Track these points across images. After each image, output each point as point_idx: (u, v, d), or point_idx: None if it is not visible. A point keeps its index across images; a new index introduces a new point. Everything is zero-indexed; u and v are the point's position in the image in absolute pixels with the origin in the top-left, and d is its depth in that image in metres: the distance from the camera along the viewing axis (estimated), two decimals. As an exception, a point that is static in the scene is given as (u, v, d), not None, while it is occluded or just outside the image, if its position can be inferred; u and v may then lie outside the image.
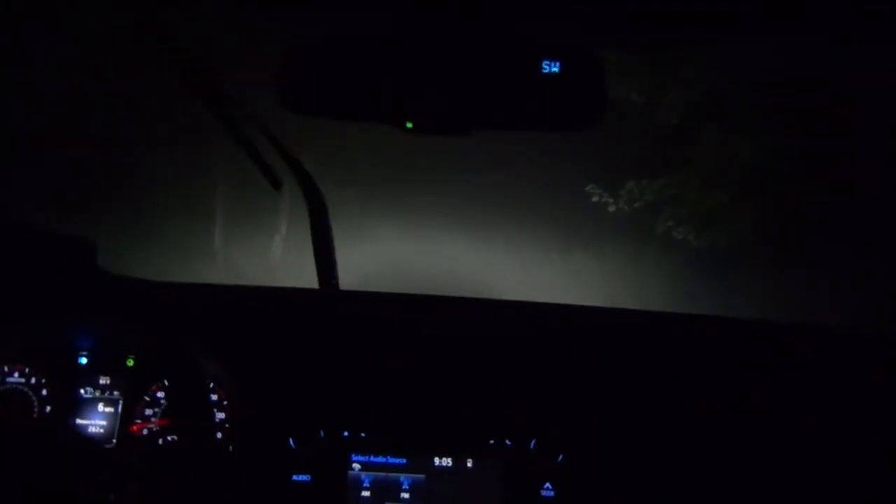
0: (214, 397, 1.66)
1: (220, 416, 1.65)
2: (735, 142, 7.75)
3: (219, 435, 1.63)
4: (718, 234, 8.40)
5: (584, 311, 1.79)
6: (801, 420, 1.60)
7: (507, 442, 1.60)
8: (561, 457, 1.59)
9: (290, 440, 1.57)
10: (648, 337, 1.72)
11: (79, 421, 1.66)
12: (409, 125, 1.32)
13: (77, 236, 1.72)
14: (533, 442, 1.59)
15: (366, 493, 1.55)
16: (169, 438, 1.65)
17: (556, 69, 1.28)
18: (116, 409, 1.66)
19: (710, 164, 8.21)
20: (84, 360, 1.69)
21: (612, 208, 9.18)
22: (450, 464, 1.58)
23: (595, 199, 9.16)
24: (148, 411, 1.67)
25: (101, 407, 1.67)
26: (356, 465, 1.57)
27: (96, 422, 1.66)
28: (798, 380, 1.64)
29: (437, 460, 1.58)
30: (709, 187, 8.36)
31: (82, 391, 1.67)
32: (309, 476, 1.55)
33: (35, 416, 1.65)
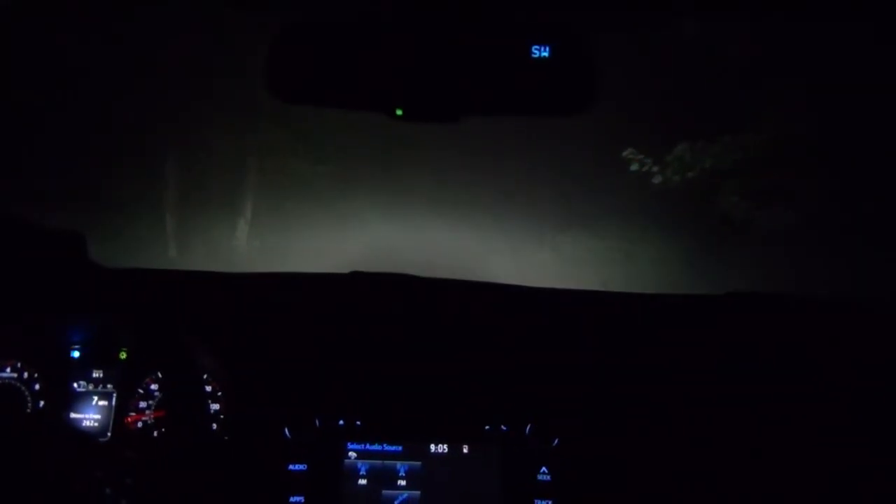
0: (209, 388, 1.65)
1: (215, 407, 1.65)
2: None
3: (214, 426, 1.63)
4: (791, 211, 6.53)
5: (578, 295, 1.79)
6: (800, 406, 1.61)
7: (503, 427, 1.60)
8: (557, 441, 1.59)
9: (286, 430, 1.57)
10: (643, 319, 1.72)
11: (72, 415, 1.65)
12: (399, 112, 1.31)
13: (63, 229, 1.71)
14: (528, 427, 1.60)
15: (362, 481, 1.56)
16: (164, 430, 1.65)
17: (545, 53, 1.27)
18: (110, 402, 1.66)
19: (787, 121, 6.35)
20: (76, 354, 1.68)
21: (657, 179, 7.10)
22: (446, 450, 1.59)
23: (636, 167, 7.09)
24: (142, 404, 1.66)
25: (94, 400, 1.66)
26: (352, 454, 1.57)
27: (90, 415, 1.65)
28: (803, 361, 1.65)
29: (433, 447, 1.59)
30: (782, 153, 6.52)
31: (75, 385, 1.66)
32: (305, 465, 1.56)
33: (28, 410, 1.64)
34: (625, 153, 7.08)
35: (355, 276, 1.77)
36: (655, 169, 7.06)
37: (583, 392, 1.63)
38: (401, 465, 1.57)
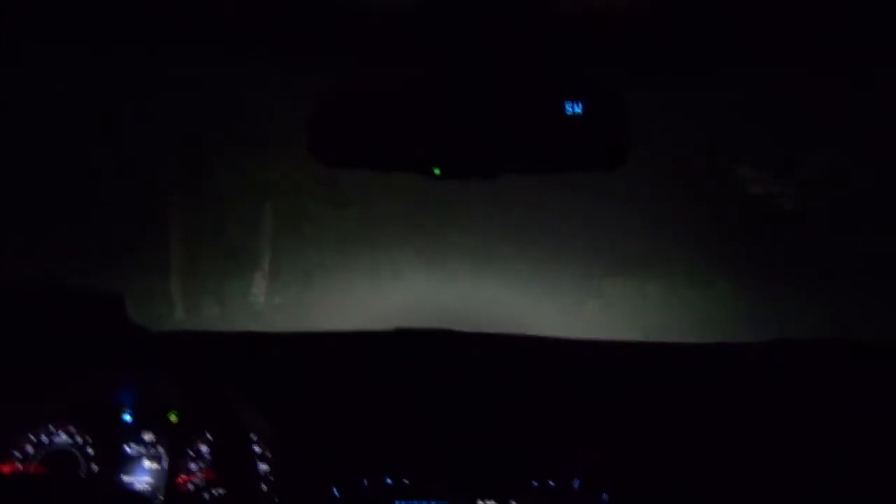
0: (258, 449, 1.66)
1: (264, 467, 1.66)
2: None
3: (263, 487, 1.64)
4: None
5: (624, 346, 1.78)
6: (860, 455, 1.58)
7: (551, 483, 1.59)
8: (606, 496, 1.57)
9: (335, 489, 1.58)
10: (691, 371, 1.71)
11: (125, 478, 1.68)
12: (437, 172, 1.34)
13: (106, 291, 1.76)
14: (577, 482, 1.58)
15: None
16: (215, 492, 1.66)
17: (578, 110, 1.29)
18: (162, 464, 1.68)
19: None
20: (128, 417, 1.71)
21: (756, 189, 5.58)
22: None
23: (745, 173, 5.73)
24: (193, 465, 1.68)
25: (146, 463, 1.69)
26: None
27: (142, 478, 1.68)
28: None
29: (480, 502, 1.58)
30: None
31: (127, 448, 1.69)
32: None
33: (82, 475, 1.67)
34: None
35: (399, 332, 1.79)
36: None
37: (630, 445, 1.61)
38: None
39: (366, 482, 1.59)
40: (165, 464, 1.68)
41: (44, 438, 1.67)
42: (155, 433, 1.70)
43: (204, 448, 1.69)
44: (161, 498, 1.65)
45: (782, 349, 1.74)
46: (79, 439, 1.69)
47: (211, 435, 1.65)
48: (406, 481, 1.59)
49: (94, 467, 1.68)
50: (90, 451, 1.68)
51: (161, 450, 1.69)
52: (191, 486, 1.67)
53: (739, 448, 1.60)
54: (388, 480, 1.59)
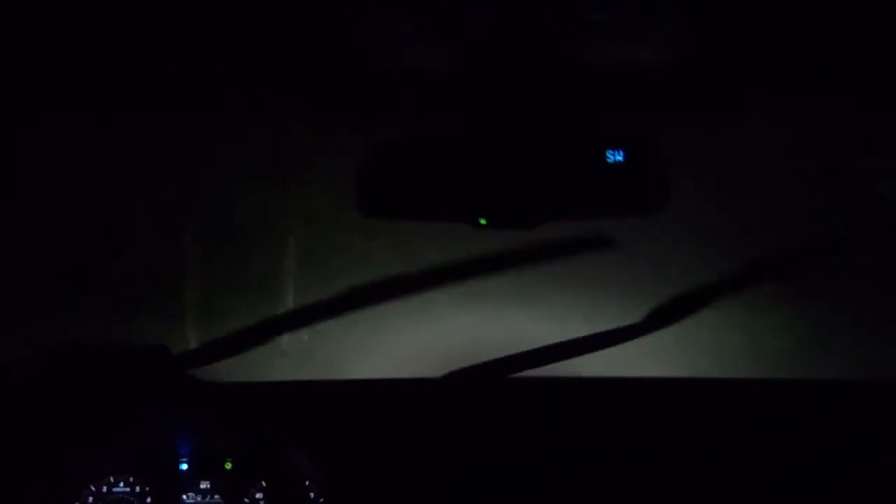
0: (312, 495, 1.69)
1: (319, 514, 1.69)
2: None
3: (318, 533, 1.67)
4: None
5: (670, 383, 1.78)
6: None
7: None
8: None
9: None
10: (741, 408, 1.71)
11: (185, 528, 1.72)
12: (483, 222, 1.37)
13: (151, 344, 1.81)
14: None
15: None
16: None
17: (619, 158, 1.32)
18: (218, 513, 1.72)
19: None
20: (184, 466, 1.75)
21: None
22: None
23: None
24: (249, 513, 1.71)
25: (204, 512, 1.72)
26: None
27: (201, 526, 1.71)
28: None
29: None
30: None
31: (185, 497, 1.73)
32: None
33: None
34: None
35: (451, 377, 1.80)
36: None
37: (689, 483, 1.61)
38: None
39: None
40: (221, 513, 1.72)
41: (104, 489, 1.72)
42: (211, 482, 1.74)
43: (259, 496, 1.72)
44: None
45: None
46: (137, 489, 1.73)
47: (266, 482, 1.69)
48: None
49: (154, 516, 1.72)
50: (149, 500, 1.72)
51: (217, 497, 1.72)
52: (248, 534, 1.70)
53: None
54: None
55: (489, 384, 1.77)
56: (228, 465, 1.75)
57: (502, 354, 1.66)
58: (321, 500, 1.69)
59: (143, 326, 1.95)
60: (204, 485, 1.74)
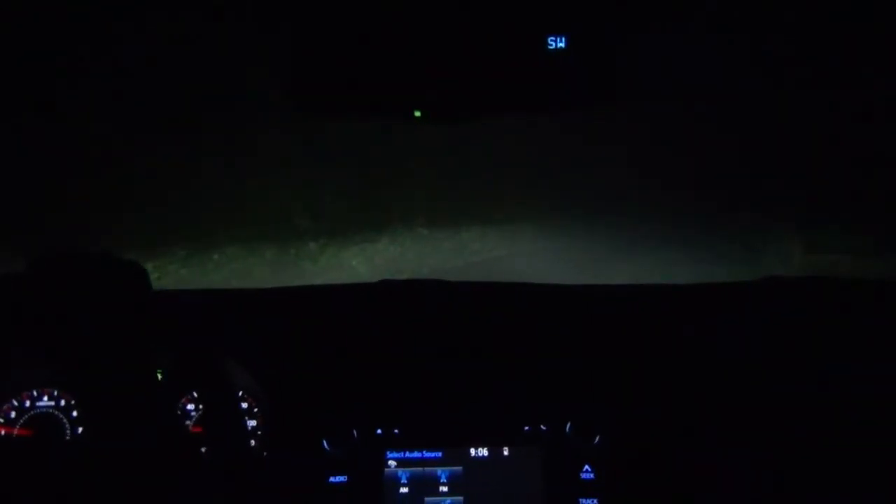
0: (245, 405, 1.64)
1: (252, 423, 1.64)
2: None
3: (252, 442, 1.62)
4: None
5: (611, 290, 1.76)
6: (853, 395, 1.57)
7: (543, 427, 1.58)
8: (598, 438, 1.57)
9: (324, 442, 1.56)
10: (680, 311, 1.69)
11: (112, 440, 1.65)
12: (418, 114, 1.30)
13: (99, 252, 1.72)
14: (568, 425, 1.57)
15: (404, 490, 1.54)
16: (201, 449, 1.64)
17: (562, 44, 1.25)
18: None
19: None
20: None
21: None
22: (486, 454, 1.57)
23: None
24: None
25: (132, 423, 1.66)
26: (392, 462, 1.56)
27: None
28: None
29: (473, 451, 1.57)
30: None
31: None
32: (346, 476, 1.54)
33: (68, 438, 1.64)
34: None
35: (384, 284, 1.76)
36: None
37: (621, 387, 1.60)
38: (442, 472, 1.55)
39: (356, 433, 1.57)
40: (152, 423, 1.65)
41: (26, 404, 1.64)
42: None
43: (190, 406, 1.67)
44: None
45: (774, 288, 1.73)
46: (62, 402, 1.65)
47: (197, 392, 1.63)
48: (396, 432, 1.58)
49: (79, 430, 1.65)
50: (74, 414, 1.65)
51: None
52: (179, 445, 1.65)
53: (732, 389, 1.59)
54: (379, 431, 1.58)
55: (424, 289, 1.74)
56: (159, 375, 1.68)
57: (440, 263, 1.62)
58: (255, 408, 1.64)
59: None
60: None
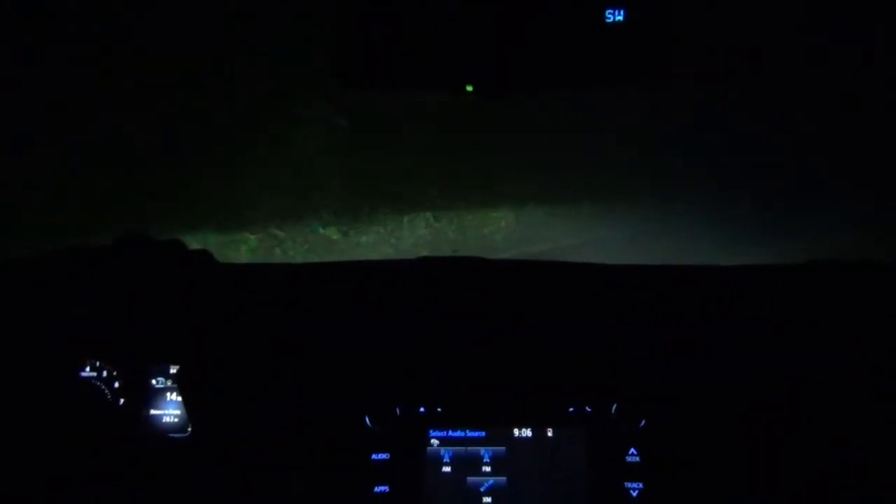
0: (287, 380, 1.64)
1: (295, 399, 1.63)
2: None
3: (296, 418, 1.62)
4: None
5: (657, 270, 1.73)
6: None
7: (587, 408, 1.56)
8: (644, 422, 1.54)
9: (367, 419, 1.55)
10: (727, 293, 1.66)
11: (152, 412, 1.65)
12: (470, 89, 1.27)
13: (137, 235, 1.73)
14: (614, 407, 1.55)
15: (447, 469, 1.53)
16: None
17: (620, 17, 1.21)
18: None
19: None
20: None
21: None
22: (530, 434, 1.55)
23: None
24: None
25: (172, 395, 1.66)
26: (434, 441, 1.55)
27: (170, 411, 1.65)
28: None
29: (516, 431, 1.55)
30: None
31: (154, 382, 1.66)
32: (388, 454, 1.53)
33: (109, 407, 1.64)
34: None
35: (425, 261, 1.74)
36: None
37: (668, 369, 1.58)
38: (485, 451, 1.54)
39: (398, 411, 1.56)
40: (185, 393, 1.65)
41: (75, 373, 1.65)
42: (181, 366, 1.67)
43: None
44: (189, 430, 1.63)
45: (819, 271, 1.69)
46: (104, 373, 1.66)
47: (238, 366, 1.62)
48: (440, 410, 1.56)
49: (121, 401, 1.65)
50: (116, 384, 1.65)
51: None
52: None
53: (777, 371, 1.56)
54: (422, 409, 1.57)
55: (466, 267, 1.72)
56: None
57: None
58: (299, 385, 1.63)
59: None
60: (174, 369, 1.67)
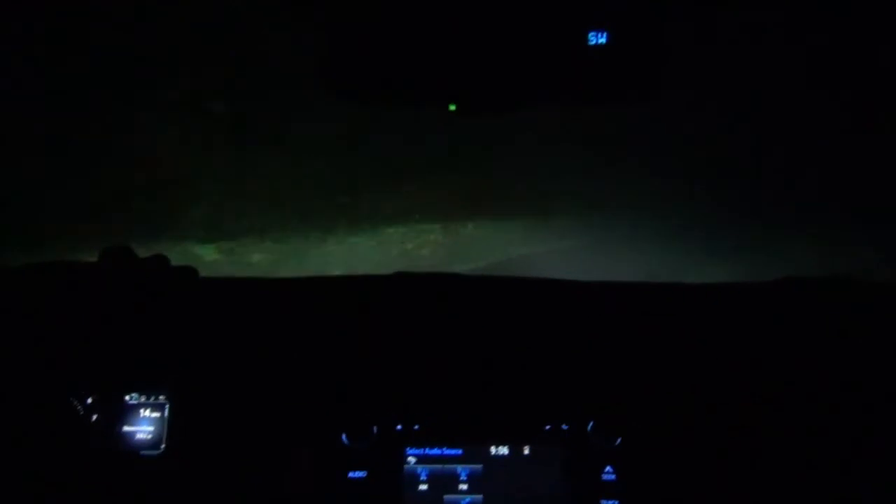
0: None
1: (272, 414, 1.62)
2: None
3: (273, 434, 1.60)
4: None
5: (631, 288, 1.74)
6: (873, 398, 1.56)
7: (564, 426, 1.56)
8: (620, 439, 1.55)
9: (344, 437, 1.54)
10: (699, 311, 1.68)
11: (126, 428, 1.63)
12: (453, 108, 1.27)
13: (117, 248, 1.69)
14: (590, 425, 1.56)
15: (423, 487, 1.53)
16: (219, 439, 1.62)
17: (602, 40, 1.22)
18: (163, 413, 1.63)
19: None
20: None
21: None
22: (506, 452, 1.55)
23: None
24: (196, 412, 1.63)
25: (147, 412, 1.63)
26: (411, 459, 1.54)
27: (143, 427, 1.62)
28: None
29: (493, 449, 1.55)
30: None
31: (127, 398, 1.63)
32: (365, 472, 1.53)
33: (83, 423, 1.61)
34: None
35: (399, 276, 1.74)
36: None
37: (643, 387, 1.59)
38: (462, 469, 1.54)
39: (375, 429, 1.55)
40: (167, 412, 1.63)
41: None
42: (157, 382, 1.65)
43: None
44: (163, 446, 1.61)
45: (791, 288, 1.71)
46: (78, 389, 1.62)
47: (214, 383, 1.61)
48: (417, 428, 1.56)
49: (94, 417, 1.62)
50: (89, 400, 1.62)
51: (163, 398, 1.63)
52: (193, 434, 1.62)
53: (752, 388, 1.58)
54: (399, 427, 1.56)
55: (442, 282, 1.72)
56: None
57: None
58: (274, 400, 1.62)
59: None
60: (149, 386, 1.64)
